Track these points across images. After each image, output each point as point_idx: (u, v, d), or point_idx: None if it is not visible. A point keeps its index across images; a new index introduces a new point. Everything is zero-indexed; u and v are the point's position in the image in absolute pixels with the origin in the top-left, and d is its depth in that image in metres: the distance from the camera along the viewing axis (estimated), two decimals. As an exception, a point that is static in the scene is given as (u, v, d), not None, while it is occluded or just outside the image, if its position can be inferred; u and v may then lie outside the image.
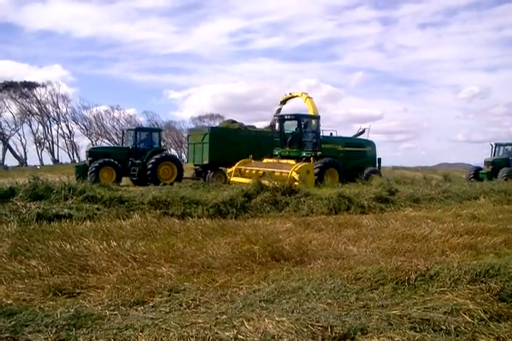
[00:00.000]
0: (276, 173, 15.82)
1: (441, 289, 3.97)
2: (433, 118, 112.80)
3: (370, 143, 21.09)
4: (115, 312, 3.56)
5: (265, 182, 14.49)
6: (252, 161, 18.09)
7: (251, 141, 21.88)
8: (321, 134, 19.01)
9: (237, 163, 17.96)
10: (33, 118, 54.29)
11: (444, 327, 3.26)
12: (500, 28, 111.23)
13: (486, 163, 25.58)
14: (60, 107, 55.04)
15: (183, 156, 46.18)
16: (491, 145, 26.68)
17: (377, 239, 6.78)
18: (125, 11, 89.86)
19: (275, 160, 18.00)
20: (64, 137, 56.79)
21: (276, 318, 3.28)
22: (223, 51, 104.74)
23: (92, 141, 56.43)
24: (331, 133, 19.69)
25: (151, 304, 3.82)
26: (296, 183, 14.13)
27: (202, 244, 6.03)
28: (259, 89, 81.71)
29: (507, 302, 3.77)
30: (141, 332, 3.11)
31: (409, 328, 3.23)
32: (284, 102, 21.63)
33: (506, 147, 26.60)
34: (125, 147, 21.31)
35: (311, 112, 19.80)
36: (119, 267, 4.89)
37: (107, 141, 56.12)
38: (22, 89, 51.95)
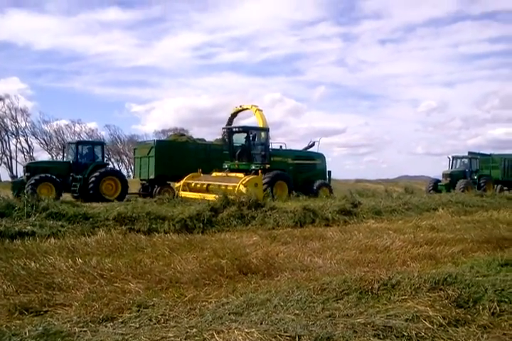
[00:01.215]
0: (222, 187, 15.61)
1: (403, 297, 4.13)
2: (394, 132, 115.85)
3: (320, 156, 21.05)
4: (84, 329, 3.56)
5: (210, 196, 14.38)
6: (202, 175, 17.85)
7: (200, 154, 21.52)
8: (271, 147, 18.90)
9: (186, 177, 17.65)
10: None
11: (405, 334, 3.40)
12: (456, 44, 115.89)
13: (444, 175, 26.47)
14: (19, 121, 53.71)
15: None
16: (449, 158, 27.72)
17: (342, 250, 6.96)
18: (87, 24, 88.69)
19: (224, 174, 17.65)
20: (23, 152, 55.30)
21: (246, 330, 3.36)
22: (187, 65, 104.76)
23: (52, 156, 55.14)
24: (281, 146, 19.67)
25: (120, 320, 3.82)
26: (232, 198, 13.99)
27: (169, 259, 6.04)
28: (223, 102, 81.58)
29: (464, 308, 3.96)
30: (111, 347, 3.13)
31: (373, 335, 3.35)
32: (234, 115, 21.44)
33: (463, 160, 27.69)
34: (66, 161, 20.51)
35: (260, 124, 19.60)
36: (86, 284, 4.86)
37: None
38: (-22, 102, 50.46)
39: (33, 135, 55.06)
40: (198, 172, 17.88)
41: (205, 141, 25.78)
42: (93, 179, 18.82)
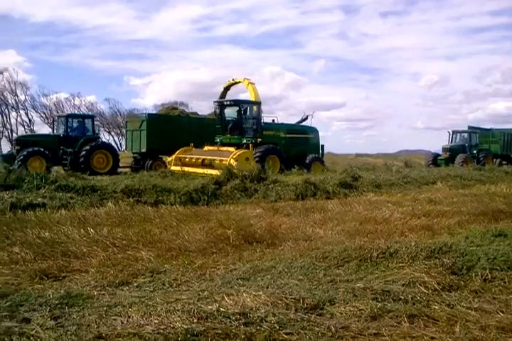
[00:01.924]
0: (216, 161, 15.54)
1: (400, 265, 4.39)
2: (394, 106, 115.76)
3: (313, 130, 20.80)
4: (103, 292, 3.82)
5: (203, 170, 14.56)
6: (194, 149, 17.62)
7: (192, 128, 21.14)
8: (263, 121, 18.63)
9: (178, 151, 17.52)
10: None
11: (402, 297, 3.66)
12: (458, 17, 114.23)
13: (444, 149, 26.60)
14: (19, 95, 53.41)
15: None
16: (449, 132, 27.76)
17: (342, 222, 7.21)
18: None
19: (216, 148, 17.49)
20: (23, 125, 55.19)
21: (254, 293, 3.61)
22: (186, 38, 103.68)
23: (52, 129, 55.10)
24: (273, 120, 19.58)
25: (135, 284, 4.09)
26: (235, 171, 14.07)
27: (177, 230, 6.30)
28: (222, 76, 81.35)
29: (458, 275, 4.22)
30: (130, 308, 3.37)
31: (372, 299, 3.61)
32: (227, 88, 21.22)
33: (463, 134, 27.74)
34: (56, 135, 20.12)
35: (252, 98, 19.43)
36: (100, 252, 5.12)
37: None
38: (-23, 75, 50.09)
39: (33, 108, 54.83)
40: (190, 147, 17.73)
41: (198, 114, 25.41)
42: (84, 152, 18.74)
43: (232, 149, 16.43)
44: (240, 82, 20.67)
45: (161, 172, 14.47)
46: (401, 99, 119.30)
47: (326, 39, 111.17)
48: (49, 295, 3.61)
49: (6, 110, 53.67)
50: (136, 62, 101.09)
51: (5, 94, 52.54)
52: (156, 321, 3.10)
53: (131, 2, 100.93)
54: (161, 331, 2.94)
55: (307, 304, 3.46)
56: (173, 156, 17.45)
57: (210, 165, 15.73)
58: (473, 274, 4.22)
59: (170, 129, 20.48)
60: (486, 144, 29.42)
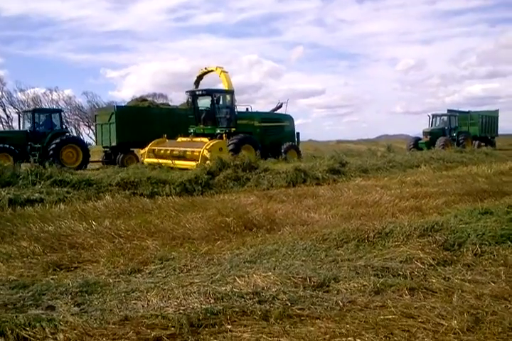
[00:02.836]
0: (188, 152, 15.38)
1: (396, 243, 4.66)
2: (373, 91, 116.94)
3: (288, 118, 20.60)
4: (118, 280, 3.99)
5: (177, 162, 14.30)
6: (167, 140, 17.29)
7: (164, 119, 20.72)
8: (237, 110, 18.22)
9: (151, 143, 17.17)
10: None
11: (401, 273, 3.92)
12: (433, 1, 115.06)
13: (425, 133, 27.14)
14: (-6, 90, 52.39)
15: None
16: (429, 116, 28.32)
17: (335, 206, 7.47)
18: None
19: (189, 139, 17.15)
20: (1, 122, 54.28)
21: (263, 274, 3.83)
22: (162, 28, 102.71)
23: (19, 125, 54.29)
24: (247, 109, 19.22)
25: (147, 271, 4.27)
26: (208, 162, 13.59)
27: (177, 219, 6.47)
28: (200, 65, 79.78)
29: (450, 251, 4.50)
30: (148, 292, 3.55)
31: (373, 275, 3.85)
32: (200, 77, 20.82)
33: (442, 117, 28.31)
34: (22, 130, 19.77)
35: (225, 87, 19.10)
36: (107, 243, 5.28)
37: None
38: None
39: (11, 104, 53.90)
40: (163, 138, 17.41)
41: (169, 105, 24.94)
42: (53, 147, 18.39)
43: (205, 140, 16.12)
44: (212, 70, 20.26)
45: (149, 165, 14.47)
46: (379, 85, 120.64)
47: (303, 26, 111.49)
48: (68, 284, 3.78)
49: (-17, 107, 52.66)
50: (113, 54, 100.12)
51: (-20, 90, 51.52)
52: (176, 303, 3.29)
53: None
54: (182, 311, 3.14)
55: (314, 282, 3.69)
56: (146, 148, 17.13)
57: (184, 156, 15.53)
58: (465, 249, 4.51)
59: (140, 121, 20.13)
60: (465, 127, 30.13)
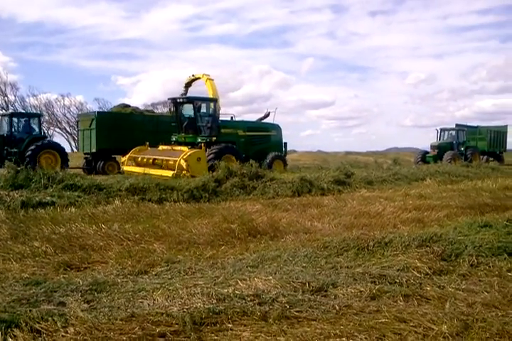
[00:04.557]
0: (167, 161, 15.02)
1: (395, 252, 4.82)
2: (383, 104, 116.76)
3: (275, 127, 20.02)
4: (125, 280, 4.18)
5: (155, 171, 13.97)
6: (149, 148, 16.93)
7: (147, 127, 20.41)
8: (221, 118, 17.86)
9: (131, 151, 16.80)
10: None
11: (397, 280, 4.06)
12: (445, 16, 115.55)
13: (432, 147, 27.15)
14: (8, 95, 53.22)
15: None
16: (437, 130, 28.33)
17: (338, 216, 7.62)
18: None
19: (170, 147, 16.62)
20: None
21: (264, 278, 4.00)
22: (175, 37, 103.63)
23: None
24: (232, 117, 18.80)
25: (153, 273, 4.46)
26: (184, 172, 13.71)
27: (184, 225, 6.66)
28: (211, 75, 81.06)
29: (447, 261, 4.65)
30: (153, 292, 3.73)
31: (370, 282, 4.00)
32: (188, 85, 20.22)
33: (450, 132, 28.36)
34: None
35: (210, 94, 18.52)
36: (115, 245, 5.48)
37: (58, 129, 54.89)
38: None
39: (23, 109, 54.58)
40: (145, 146, 17.08)
41: (153, 112, 24.79)
42: (29, 153, 17.79)
43: (185, 149, 15.65)
44: (199, 78, 19.69)
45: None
46: (389, 97, 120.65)
47: (314, 38, 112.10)
48: (78, 283, 3.97)
49: (-4, 111, 53.39)
50: (125, 61, 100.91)
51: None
52: (180, 303, 3.47)
53: (121, 2, 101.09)
54: (186, 310, 3.31)
55: (312, 287, 3.85)
56: (127, 156, 16.80)
57: (161, 165, 15.30)
58: (461, 260, 4.66)
59: (122, 128, 19.77)
60: (473, 141, 30.16)
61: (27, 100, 54.74)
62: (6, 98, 53.21)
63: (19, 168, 9.40)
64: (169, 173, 13.80)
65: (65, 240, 5.53)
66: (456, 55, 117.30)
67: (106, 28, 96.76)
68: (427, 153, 27.34)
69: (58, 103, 55.94)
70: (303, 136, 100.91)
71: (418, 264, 4.45)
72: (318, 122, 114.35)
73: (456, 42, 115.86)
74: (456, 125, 30.22)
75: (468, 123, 32.18)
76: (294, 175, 12.12)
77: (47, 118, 55.37)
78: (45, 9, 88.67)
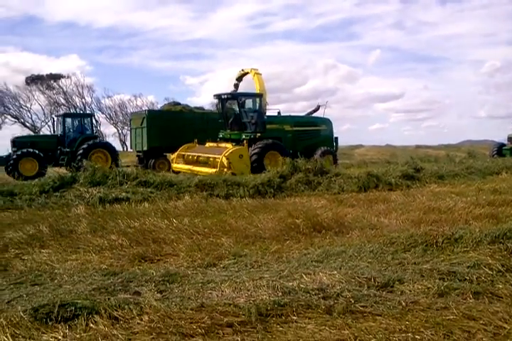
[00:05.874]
0: (211, 158, 14.86)
1: (465, 249, 4.65)
2: (455, 95, 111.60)
3: (325, 121, 19.39)
4: (195, 272, 4.37)
5: (201, 169, 13.85)
6: (197, 146, 16.82)
7: (197, 124, 20.19)
8: (267, 114, 17.53)
9: (180, 148, 16.74)
10: (60, 109, 55.66)
11: (467, 278, 3.94)
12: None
13: (509, 138, 25.73)
14: (85, 97, 56.32)
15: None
16: (513, 120, 26.78)
17: (406, 211, 7.45)
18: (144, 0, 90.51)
19: (215, 144, 16.61)
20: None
21: (328, 272, 4.04)
22: (241, 35, 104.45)
23: (117, 129, 57.90)
24: (278, 112, 18.49)
25: (221, 266, 4.63)
26: (225, 170, 13.51)
27: (250, 220, 6.82)
28: (276, 71, 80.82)
29: (521, 259, 4.45)
30: (222, 284, 3.89)
31: (439, 278, 3.91)
32: (239, 79, 20.04)
33: (530, 122, 26.69)
34: (53, 135, 19.83)
35: (257, 89, 18.32)
36: (186, 239, 5.73)
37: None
38: (48, 81, 53.28)
39: (99, 110, 57.61)
40: (193, 143, 16.98)
41: (203, 109, 24.71)
42: (81, 152, 18.15)
43: (229, 146, 15.50)
44: (248, 72, 19.42)
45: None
46: (462, 88, 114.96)
47: (381, 29, 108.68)
48: (152, 274, 4.21)
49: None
50: (193, 61, 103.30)
51: (73, 97, 55.63)
52: (246, 294, 3.59)
53: (189, 3, 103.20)
54: (252, 302, 3.42)
55: (378, 282, 3.83)
56: (176, 154, 16.86)
57: (207, 162, 15.15)
58: (538, 258, 4.43)
59: (172, 126, 19.81)
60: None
61: (102, 101, 57.56)
62: (83, 100, 56.31)
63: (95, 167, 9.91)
64: (212, 171, 13.74)
65: (139, 234, 5.85)
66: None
67: (175, 29, 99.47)
68: (503, 145, 25.95)
69: (131, 103, 58.37)
70: (371, 130, 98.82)
71: (490, 261, 4.28)
72: (386, 115, 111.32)
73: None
74: (537, 115, 28.35)
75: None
76: (360, 170, 11.96)
77: (121, 118, 58.24)
78: (118, 14, 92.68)
